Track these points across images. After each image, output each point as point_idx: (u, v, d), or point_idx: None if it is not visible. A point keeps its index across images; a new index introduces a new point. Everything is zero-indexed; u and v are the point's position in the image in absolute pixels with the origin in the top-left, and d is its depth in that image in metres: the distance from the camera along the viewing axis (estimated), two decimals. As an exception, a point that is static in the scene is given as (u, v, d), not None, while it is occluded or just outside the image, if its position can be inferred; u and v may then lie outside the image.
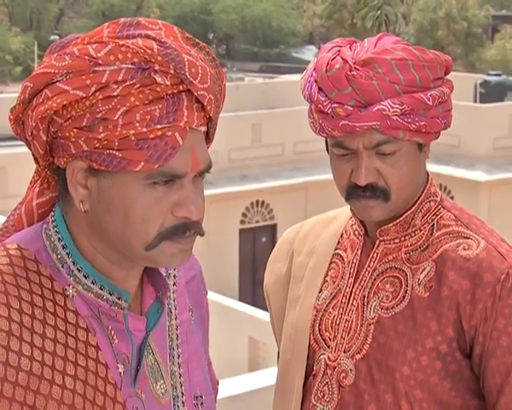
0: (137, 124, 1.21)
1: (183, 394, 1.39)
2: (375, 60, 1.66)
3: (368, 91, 1.64)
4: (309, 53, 40.87)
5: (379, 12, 4.01)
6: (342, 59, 1.67)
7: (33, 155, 1.33)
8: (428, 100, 1.67)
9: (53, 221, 1.32)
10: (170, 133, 1.22)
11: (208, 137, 1.31)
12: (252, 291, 17.72)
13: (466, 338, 1.69)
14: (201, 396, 1.42)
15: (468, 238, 1.74)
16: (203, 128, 1.28)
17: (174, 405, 1.37)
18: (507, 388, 1.67)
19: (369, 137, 1.66)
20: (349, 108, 1.65)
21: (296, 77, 22.91)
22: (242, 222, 17.31)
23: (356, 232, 1.83)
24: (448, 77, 1.77)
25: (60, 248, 1.30)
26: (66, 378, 1.23)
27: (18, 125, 1.30)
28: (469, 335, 1.69)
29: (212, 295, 9.22)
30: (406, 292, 1.73)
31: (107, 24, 1.28)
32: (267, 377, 6.28)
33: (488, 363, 1.68)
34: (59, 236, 1.30)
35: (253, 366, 8.70)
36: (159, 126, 1.22)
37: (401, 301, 1.73)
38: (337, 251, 1.85)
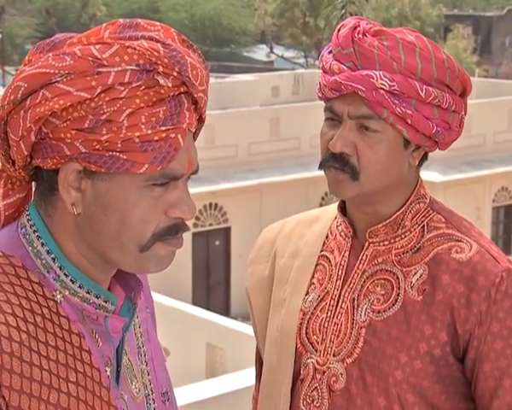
0: (142, 126, 1.23)
1: (152, 391, 1.42)
2: (385, 33, 1.72)
3: (366, 57, 1.69)
4: (260, 52, 40.92)
5: (343, 11, 4.01)
6: (356, 24, 1.74)
7: (3, 155, 1.32)
8: (421, 91, 1.68)
9: (31, 225, 1.31)
10: (173, 135, 1.25)
11: (194, 137, 1.34)
12: (206, 296, 17.70)
13: (460, 342, 1.71)
14: (167, 392, 1.46)
15: (460, 241, 1.75)
16: (194, 129, 1.31)
17: (147, 403, 1.41)
18: (500, 391, 1.70)
19: (355, 107, 1.70)
20: (344, 67, 1.70)
21: (248, 77, 22.96)
22: (195, 225, 17.28)
23: (342, 233, 1.84)
24: None
25: (44, 254, 1.29)
26: (69, 386, 1.25)
27: (0, 125, 1.29)
28: (463, 339, 1.71)
29: (167, 300, 9.18)
30: (398, 295, 1.74)
31: (104, 25, 1.29)
32: (226, 383, 6.28)
33: (482, 367, 1.70)
34: (42, 241, 1.30)
35: (211, 373, 8.69)
36: (163, 128, 1.24)
37: (393, 305, 1.74)
38: (323, 253, 1.86)
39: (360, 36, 1.71)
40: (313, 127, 19.79)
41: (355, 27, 1.72)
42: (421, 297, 1.72)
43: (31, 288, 1.27)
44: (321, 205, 17.84)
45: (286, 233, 1.94)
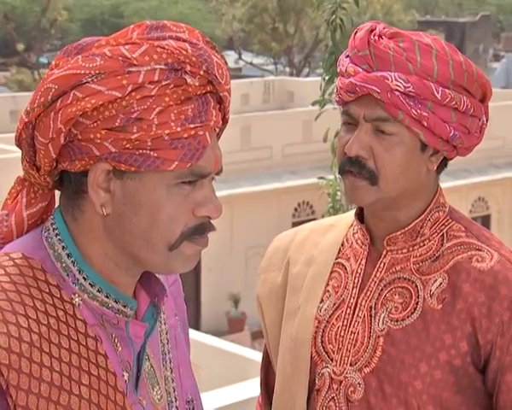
0: (172, 123, 1.29)
1: (176, 399, 1.46)
2: (401, 35, 1.76)
3: (381, 59, 1.73)
4: (228, 59, 40.75)
5: (334, 16, 4.04)
6: (373, 27, 1.79)
7: (28, 162, 1.36)
8: (437, 92, 1.71)
9: (54, 229, 1.36)
10: (201, 132, 1.31)
11: (217, 138, 1.39)
12: (175, 311, 17.62)
13: (481, 353, 1.74)
14: (192, 401, 1.50)
15: (481, 250, 1.78)
16: (218, 129, 1.37)
17: None
18: None
19: (370, 109, 1.74)
20: (359, 69, 1.75)
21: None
22: (164, 238, 17.20)
23: (359, 241, 1.86)
24: None
25: (64, 257, 1.34)
26: (81, 388, 1.29)
27: (28, 129, 1.33)
28: (485, 349, 1.73)
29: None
30: (417, 304, 1.77)
31: (131, 27, 1.35)
32: (204, 401, 6.28)
33: (504, 378, 1.73)
34: (63, 244, 1.35)
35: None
36: (191, 126, 1.30)
37: (412, 313, 1.77)
38: (338, 260, 1.88)
39: (376, 38, 1.75)
40: (285, 136, 19.87)
41: (371, 30, 1.77)
42: (441, 306, 1.75)
43: (47, 290, 1.31)
44: (293, 216, 17.87)
45: (299, 241, 1.96)
